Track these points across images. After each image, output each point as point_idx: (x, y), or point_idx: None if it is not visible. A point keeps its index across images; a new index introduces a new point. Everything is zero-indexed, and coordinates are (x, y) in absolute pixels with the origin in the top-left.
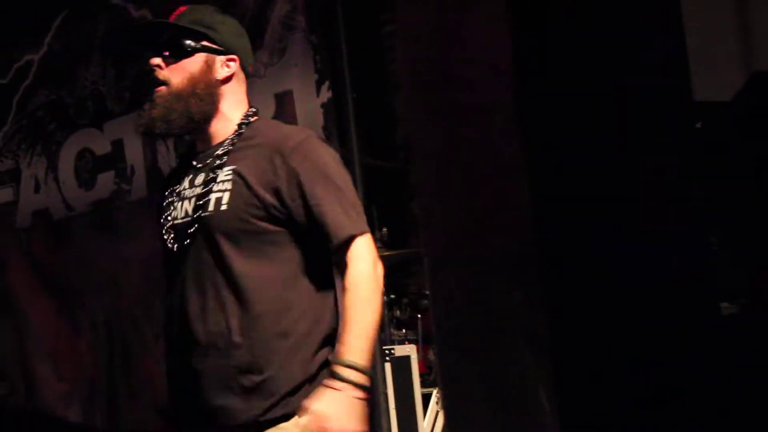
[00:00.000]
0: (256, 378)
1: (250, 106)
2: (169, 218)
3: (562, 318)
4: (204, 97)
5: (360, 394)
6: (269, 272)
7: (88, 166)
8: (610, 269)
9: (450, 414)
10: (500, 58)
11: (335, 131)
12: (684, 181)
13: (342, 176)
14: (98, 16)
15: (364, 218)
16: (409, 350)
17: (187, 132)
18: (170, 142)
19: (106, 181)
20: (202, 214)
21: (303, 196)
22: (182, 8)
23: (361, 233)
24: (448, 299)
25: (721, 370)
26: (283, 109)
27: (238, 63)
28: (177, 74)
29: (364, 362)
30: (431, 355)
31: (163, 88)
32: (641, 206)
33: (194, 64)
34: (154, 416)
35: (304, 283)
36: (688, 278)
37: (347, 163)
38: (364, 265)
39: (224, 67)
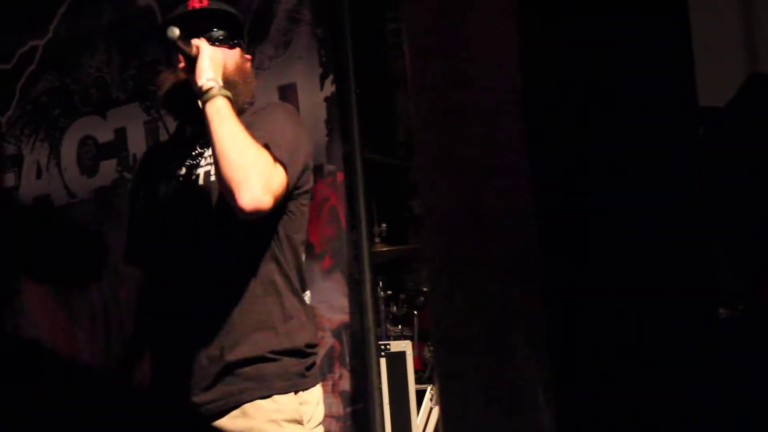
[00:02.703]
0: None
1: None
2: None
3: (561, 317)
4: (248, 89)
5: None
6: None
7: (91, 154)
8: (610, 270)
9: (445, 411)
10: (506, 56)
11: (338, 126)
12: (687, 184)
13: (293, 126)
14: (104, 4)
15: (290, 155)
16: (404, 346)
17: None
18: (173, 131)
19: (108, 168)
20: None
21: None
22: None
23: (280, 160)
24: (446, 296)
25: (719, 374)
26: (287, 101)
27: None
28: (229, 62)
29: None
30: (426, 352)
31: None
32: (643, 209)
33: (238, 54)
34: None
35: None
36: (689, 282)
37: (349, 157)
38: (272, 169)
39: (247, 62)
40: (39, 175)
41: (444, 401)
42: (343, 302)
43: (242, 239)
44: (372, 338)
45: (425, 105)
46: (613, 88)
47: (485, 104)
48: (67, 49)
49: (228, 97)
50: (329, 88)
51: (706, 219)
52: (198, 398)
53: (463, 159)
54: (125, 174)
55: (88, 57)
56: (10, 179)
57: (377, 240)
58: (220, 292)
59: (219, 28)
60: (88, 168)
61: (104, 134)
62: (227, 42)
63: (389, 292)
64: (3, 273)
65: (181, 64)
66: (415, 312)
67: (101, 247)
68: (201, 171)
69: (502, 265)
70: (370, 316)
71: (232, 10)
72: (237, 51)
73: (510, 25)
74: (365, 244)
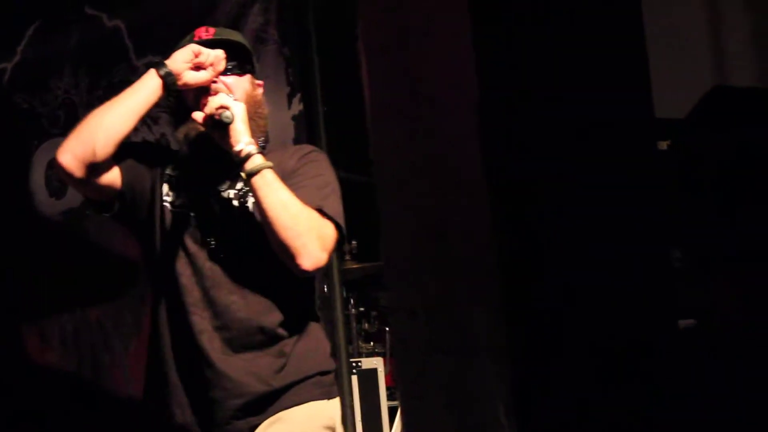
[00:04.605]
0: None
1: None
2: (203, 218)
3: (523, 334)
4: (261, 119)
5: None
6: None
7: (59, 176)
8: (573, 285)
9: (409, 428)
10: (463, 76)
11: (306, 144)
12: (646, 195)
13: (333, 180)
14: (72, 26)
15: (339, 210)
16: (376, 363)
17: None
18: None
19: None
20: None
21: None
22: (211, 29)
23: (332, 218)
24: (408, 312)
25: (682, 385)
26: None
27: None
28: (238, 93)
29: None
30: None
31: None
32: (603, 223)
33: (248, 82)
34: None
35: None
36: (650, 295)
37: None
38: (324, 229)
39: (259, 87)
40: None
41: (407, 420)
42: None
43: (294, 276)
44: (343, 355)
45: (384, 125)
46: (570, 104)
47: (444, 124)
48: (35, 71)
49: (270, 167)
50: (297, 106)
51: (665, 231)
52: (244, 420)
53: (422, 175)
54: None
55: (56, 79)
56: None
57: (348, 257)
58: (272, 318)
59: (228, 58)
60: (57, 190)
61: None
62: (236, 71)
63: (361, 309)
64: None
65: (200, 118)
66: (387, 328)
67: (70, 268)
68: (252, 201)
69: (464, 284)
70: (341, 333)
71: (240, 39)
72: (247, 78)
73: (466, 44)
74: (335, 261)
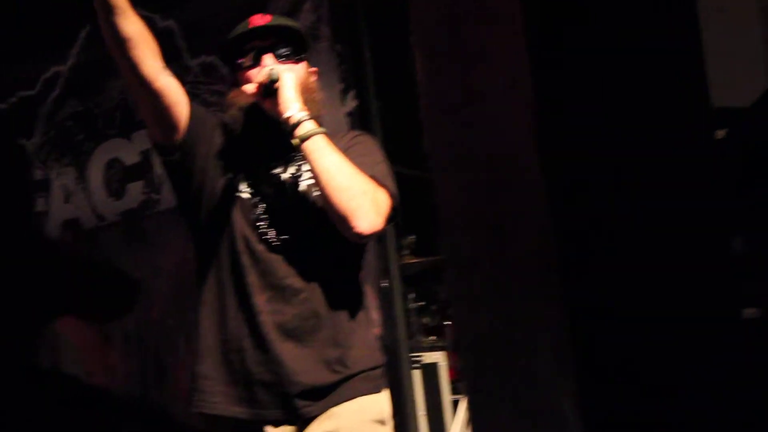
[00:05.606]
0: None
1: None
2: (261, 200)
3: (585, 326)
4: (315, 105)
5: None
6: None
7: (118, 176)
8: (633, 276)
9: (475, 422)
10: (518, 70)
11: None
12: (707, 185)
13: (385, 159)
14: None
15: (392, 181)
16: (437, 357)
17: None
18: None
19: (135, 190)
20: (307, 200)
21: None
22: (267, 16)
23: (383, 186)
24: (470, 307)
25: (743, 376)
26: None
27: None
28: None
29: (304, 128)
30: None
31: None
32: (662, 213)
33: (303, 69)
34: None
35: None
36: (711, 283)
37: None
38: (379, 194)
39: (313, 75)
40: (67, 200)
41: (473, 412)
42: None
43: (348, 261)
44: (404, 350)
45: (440, 118)
46: (622, 96)
47: (499, 117)
48: (90, 73)
49: (323, 132)
50: (351, 102)
51: (727, 223)
52: (292, 408)
53: (480, 171)
54: (153, 195)
55: (111, 80)
56: (39, 204)
57: (406, 252)
58: (326, 302)
59: (283, 44)
60: (116, 191)
61: (130, 156)
62: (292, 57)
63: (421, 303)
64: (37, 304)
65: (252, 89)
66: (448, 322)
67: (131, 268)
68: (304, 183)
69: (524, 276)
70: (401, 328)
71: (295, 25)
72: (303, 65)
73: (521, 41)
74: (393, 256)
